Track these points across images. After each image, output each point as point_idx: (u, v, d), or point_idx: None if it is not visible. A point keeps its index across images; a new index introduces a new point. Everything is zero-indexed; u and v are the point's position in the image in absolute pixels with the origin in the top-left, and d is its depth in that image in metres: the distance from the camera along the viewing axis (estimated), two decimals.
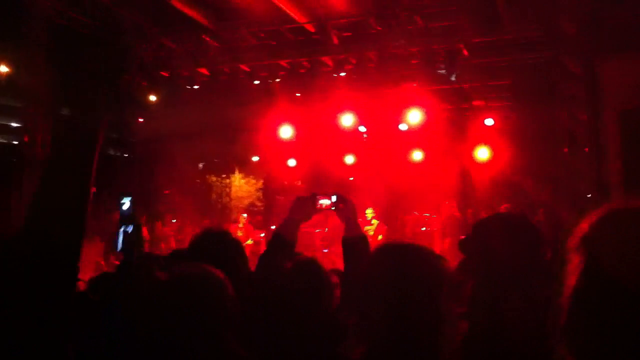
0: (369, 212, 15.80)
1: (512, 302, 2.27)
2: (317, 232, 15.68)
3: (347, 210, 3.33)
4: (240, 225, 16.52)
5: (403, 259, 2.16)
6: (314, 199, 3.36)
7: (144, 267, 3.10)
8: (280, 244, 3.33)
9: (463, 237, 3.09)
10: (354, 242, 3.24)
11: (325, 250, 15.23)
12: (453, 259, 4.06)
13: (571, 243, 1.42)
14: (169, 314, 2.27)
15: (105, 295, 3.23)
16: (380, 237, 15.41)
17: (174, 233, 16.94)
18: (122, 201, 3.24)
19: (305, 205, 3.40)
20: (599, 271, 1.34)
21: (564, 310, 1.39)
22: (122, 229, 3.16)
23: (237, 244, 3.48)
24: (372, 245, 2.73)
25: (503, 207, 13.56)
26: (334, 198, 3.35)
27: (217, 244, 3.33)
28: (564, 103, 13.34)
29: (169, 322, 2.25)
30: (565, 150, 13.16)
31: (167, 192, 14.91)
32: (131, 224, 3.15)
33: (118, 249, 3.14)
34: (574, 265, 1.40)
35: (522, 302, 2.27)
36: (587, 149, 12.69)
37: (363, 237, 3.31)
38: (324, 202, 3.34)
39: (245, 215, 17.10)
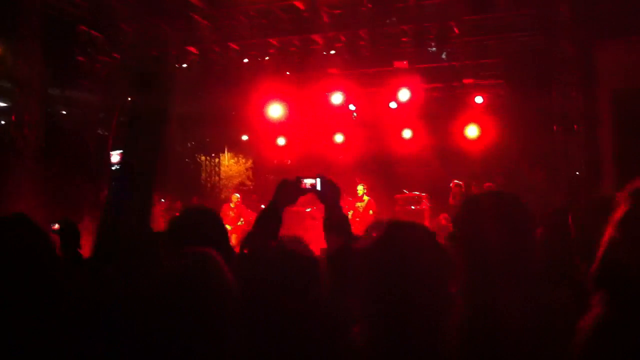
0: (360, 189, 15.81)
1: (503, 280, 2.27)
2: (307, 211, 15.66)
3: (329, 192, 3.30)
4: (232, 205, 16.45)
5: (401, 236, 2.15)
6: (298, 182, 3.34)
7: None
8: (265, 226, 3.32)
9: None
10: (335, 224, 3.22)
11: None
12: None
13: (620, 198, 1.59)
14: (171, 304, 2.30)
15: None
16: (371, 212, 15.43)
17: (163, 213, 16.89)
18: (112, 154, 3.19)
19: (290, 188, 3.38)
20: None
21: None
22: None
23: (218, 222, 3.48)
24: (364, 221, 2.72)
25: (486, 185, 13.59)
26: (318, 181, 3.32)
27: (198, 223, 3.31)
28: (556, 82, 13.33)
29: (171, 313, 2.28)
30: (556, 128, 13.18)
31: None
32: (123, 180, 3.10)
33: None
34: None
35: (513, 280, 2.26)
36: (576, 127, 12.71)
37: (344, 218, 3.29)
38: (308, 181, 3.32)
39: (237, 195, 16.99)
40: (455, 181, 15.07)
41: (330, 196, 3.27)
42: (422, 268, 2.05)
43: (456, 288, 2.18)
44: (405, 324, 2.02)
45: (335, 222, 3.21)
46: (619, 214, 1.56)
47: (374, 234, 2.28)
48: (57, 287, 2.48)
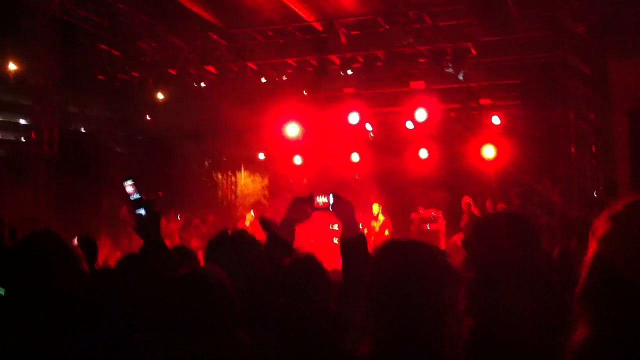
0: (376, 208, 15.78)
1: (512, 298, 2.28)
2: (323, 228, 15.68)
3: (343, 209, 3.32)
4: (247, 223, 16.46)
5: (408, 255, 2.16)
6: (311, 199, 3.36)
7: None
8: (278, 243, 3.34)
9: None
10: (351, 242, 3.23)
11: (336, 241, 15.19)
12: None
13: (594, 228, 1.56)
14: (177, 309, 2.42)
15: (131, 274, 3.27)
16: (387, 232, 15.40)
17: (179, 230, 16.95)
18: (125, 184, 3.21)
19: (303, 205, 3.41)
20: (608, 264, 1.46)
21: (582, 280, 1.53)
22: (136, 213, 3.15)
23: (254, 244, 3.52)
24: (379, 241, 2.74)
25: (499, 207, 13.52)
26: (331, 198, 3.34)
27: (235, 245, 3.37)
28: (572, 102, 13.31)
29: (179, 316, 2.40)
30: (573, 149, 13.13)
31: (160, 193, 14.92)
32: (142, 206, 3.13)
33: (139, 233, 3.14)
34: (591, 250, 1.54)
35: (522, 298, 2.28)
36: (594, 148, 12.66)
37: (361, 236, 3.30)
38: (321, 200, 3.34)
39: (252, 212, 16.99)
40: (467, 200, 14.97)
41: (345, 213, 3.29)
42: (428, 285, 2.06)
43: (464, 305, 2.19)
44: (413, 343, 2.02)
45: (351, 239, 3.22)
46: (601, 231, 1.56)
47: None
48: (82, 300, 2.55)
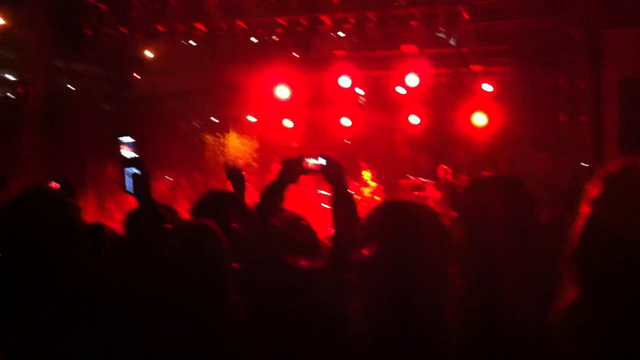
0: (366, 174, 15.74)
1: (502, 259, 2.26)
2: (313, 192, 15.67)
3: (333, 171, 3.29)
4: None
5: (403, 215, 2.15)
6: (300, 161, 3.32)
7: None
8: (268, 204, 3.32)
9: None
10: (342, 203, 3.20)
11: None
12: None
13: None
14: (172, 262, 2.38)
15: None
16: (377, 198, 15.40)
17: (167, 189, 16.90)
18: (122, 139, 3.12)
19: (293, 167, 3.37)
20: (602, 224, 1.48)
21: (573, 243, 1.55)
22: (128, 171, 3.06)
23: (240, 205, 3.49)
24: (370, 206, 2.70)
25: (484, 174, 13.51)
26: (321, 160, 3.30)
27: (221, 205, 3.32)
28: (564, 70, 13.27)
29: (174, 271, 2.36)
30: (563, 118, 13.13)
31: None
32: (136, 165, 3.06)
33: (127, 190, 3.05)
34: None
35: (513, 260, 2.26)
36: (585, 118, 12.66)
37: (351, 198, 3.28)
38: (311, 162, 3.30)
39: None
40: (443, 168, 14.92)
41: (335, 174, 3.26)
42: (421, 245, 2.03)
43: (457, 269, 2.17)
44: (406, 304, 2.01)
45: (341, 200, 3.20)
46: (594, 193, 1.55)
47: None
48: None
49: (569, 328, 1.52)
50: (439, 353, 2.01)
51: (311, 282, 2.81)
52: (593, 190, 1.56)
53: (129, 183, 3.01)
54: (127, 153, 3.10)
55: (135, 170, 2.99)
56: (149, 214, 3.02)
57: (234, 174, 3.85)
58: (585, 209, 1.56)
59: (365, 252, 2.08)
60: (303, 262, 2.87)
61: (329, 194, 3.27)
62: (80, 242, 2.57)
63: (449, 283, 2.11)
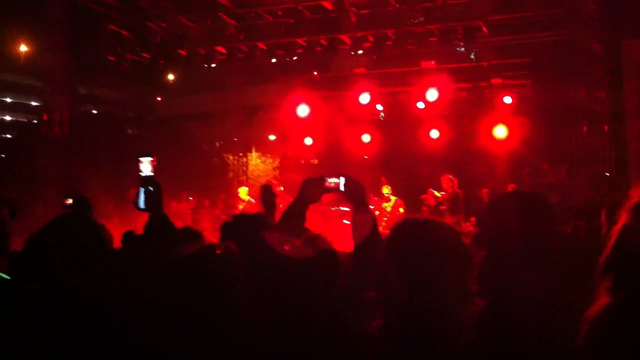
0: (386, 189, 15.72)
1: (523, 278, 2.27)
2: (333, 209, 15.68)
3: (354, 190, 3.33)
4: (243, 196, 16.09)
5: (422, 233, 2.16)
6: (322, 180, 3.37)
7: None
8: (289, 223, 3.36)
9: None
10: (362, 221, 3.24)
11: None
12: None
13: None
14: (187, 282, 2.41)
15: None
16: (401, 209, 15.36)
17: (190, 211, 17.02)
18: (141, 160, 3.25)
19: (314, 186, 3.41)
20: None
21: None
22: (143, 190, 3.18)
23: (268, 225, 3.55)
24: (393, 221, 2.74)
25: (510, 187, 13.45)
26: (341, 179, 3.35)
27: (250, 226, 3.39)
28: (583, 82, 13.21)
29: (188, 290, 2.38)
30: (584, 129, 13.06)
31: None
32: (151, 184, 3.17)
33: (140, 207, 3.16)
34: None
35: (534, 278, 2.26)
36: (606, 128, 12.58)
37: (371, 216, 3.31)
38: (332, 180, 3.35)
39: (245, 188, 16.45)
40: (449, 176, 14.87)
41: (356, 194, 3.30)
42: (443, 264, 2.06)
43: (476, 287, 2.18)
44: (426, 322, 2.03)
45: (362, 217, 3.23)
46: (633, 201, 1.57)
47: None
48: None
49: (601, 334, 1.53)
50: None
51: (332, 300, 2.84)
52: (631, 200, 1.57)
53: (142, 201, 3.13)
54: (145, 172, 3.22)
55: (149, 188, 3.11)
56: (158, 224, 3.13)
57: (268, 195, 3.92)
58: (623, 218, 1.57)
59: (386, 269, 2.11)
60: (322, 280, 2.91)
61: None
62: (109, 261, 2.67)
63: (469, 301, 2.12)
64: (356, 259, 3.10)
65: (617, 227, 1.57)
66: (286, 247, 3.00)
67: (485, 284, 2.25)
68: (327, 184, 3.34)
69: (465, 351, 2.04)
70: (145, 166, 3.23)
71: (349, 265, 3.14)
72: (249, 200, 15.55)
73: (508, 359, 2.15)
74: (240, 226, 3.48)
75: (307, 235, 3.29)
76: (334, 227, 14.63)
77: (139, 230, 3.50)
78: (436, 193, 14.72)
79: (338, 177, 3.33)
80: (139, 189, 3.18)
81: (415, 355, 2.02)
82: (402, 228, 2.23)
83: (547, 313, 2.14)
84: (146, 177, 3.19)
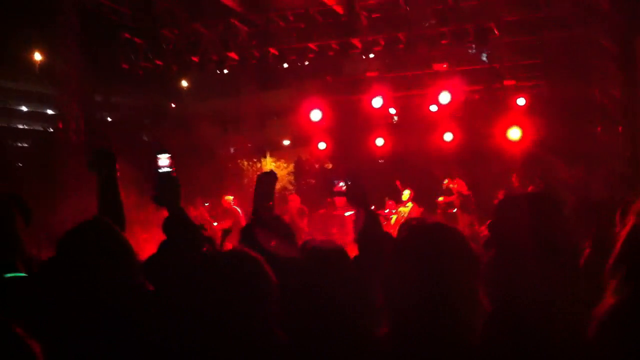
0: (406, 194, 15.67)
1: (533, 281, 2.26)
2: (346, 215, 15.69)
3: (354, 192, 3.34)
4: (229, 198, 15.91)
5: (429, 238, 2.16)
6: (331, 184, 3.40)
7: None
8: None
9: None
10: (364, 224, 3.25)
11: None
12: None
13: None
14: (209, 290, 2.34)
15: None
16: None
17: (209, 216, 17.03)
18: (160, 156, 3.31)
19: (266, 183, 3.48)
20: None
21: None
22: (161, 184, 3.25)
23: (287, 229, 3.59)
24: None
25: (529, 189, 13.41)
26: (347, 182, 3.37)
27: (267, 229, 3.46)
28: (597, 81, 13.15)
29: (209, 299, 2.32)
30: (599, 128, 12.99)
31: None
32: (169, 181, 3.23)
33: (158, 202, 3.22)
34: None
35: (543, 281, 2.26)
36: (620, 128, 12.51)
37: (373, 219, 3.31)
38: (340, 184, 3.37)
39: (230, 197, 16.25)
40: (457, 179, 14.85)
41: (357, 196, 3.30)
42: (449, 268, 2.06)
43: (482, 289, 2.18)
44: (434, 327, 2.04)
45: (364, 220, 3.24)
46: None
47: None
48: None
49: (610, 330, 1.54)
50: None
51: (342, 302, 2.84)
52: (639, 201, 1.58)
53: (162, 195, 3.19)
54: (164, 168, 3.29)
55: (168, 183, 3.17)
56: (177, 219, 3.19)
57: (263, 184, 3.95)
58: (631, 219, 1.58)
59: (392, 274, 2.12)
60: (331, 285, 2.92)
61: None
62: (132, 267, 2.70)
63: (476, 305, 2.12)
64: (361, 262, 3.12)
65: (627, 228, 1.59)
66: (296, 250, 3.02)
67: (492, 287, 2.25)
68: (337, 187, 3.36)
69: (473, 355, 2.05)
70: (163, 162, 3.30)
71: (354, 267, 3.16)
72: (235, 209, 15.30)
73: None
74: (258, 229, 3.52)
75: (315, 243, 3.31)
76: (347, 232, 14.64)
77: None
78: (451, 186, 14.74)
79: (345, 181, 3.35)
80: (157, 184, 3.25)
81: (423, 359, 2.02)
82: (408, 233, 2.25)
83: (555, 314, 2.14)
84: (164, 172, 3.27)
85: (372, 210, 3.33)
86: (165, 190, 3.24)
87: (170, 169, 3.28)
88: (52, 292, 2.52)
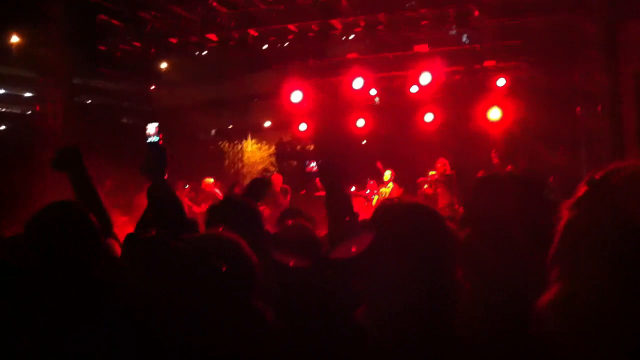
0: (387, 174, 15.69)
1: (507, 261, 2.26)
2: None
3: (327, 172, 3.31)
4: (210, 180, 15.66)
5: (404, 218, 2.14)
6: (305, 166, 3.39)
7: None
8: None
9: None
10: (334, 204, 3.22)
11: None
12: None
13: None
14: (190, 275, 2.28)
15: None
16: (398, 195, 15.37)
17: (188, 199, 16.95)
18: (149, 125, 3.34)
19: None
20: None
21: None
22: (149, 154, 3.24)
23: (254, 212, 3.56)
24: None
25: (507, 168, 13.46)
26: (319, 162, 3.36)
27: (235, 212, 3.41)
28: (578, 64, 13.17)
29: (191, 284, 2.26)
30: (578, 111, 13.03)
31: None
32: (156, 151, 3.22)
33: (145, 172, 3.21)
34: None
35: (517, 261, 2.26)
36: (600, 110, 12.55)
37: (344, 199, 3.28)
38: (313, 164, 3.37)
39: (210, 180, 15.98)
40: (443, 159, 14.87)
41: (329, 175, 3.27)
42: (423, 247, 2.04)
43: (462, 271, 2.17)
44: (410, 306, 2.02)
45: (334, 201, 3.21)
46: (576, 196, 1.57)
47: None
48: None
49: (547, 323, 1.54)
50: (448, 353, 2.02)
51: (318, 284, 2.83)
52: (577, 193, 1.57)
53: (147, 165, 3.18)
54: (151, 137, 3.31)
55: (153, 154, 3.16)
56: (160, 187, 3.20)
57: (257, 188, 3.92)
58: (565, 214, 1.57)
59: (368, 255, 2.10)
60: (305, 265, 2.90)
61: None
62: (101, 251, 2.68)
63: (454, 284, 2.11)
64: (329, 243, 3.10)
65: (560, 224, 1.58)
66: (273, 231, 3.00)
67: (467, 266, 2.24)
68: (308, 167, 3.35)
69: (454, 334, 2.04)
70: (151, 130, 3.31)
71: (325, 249, 3.14)
72: (215, 192, 15.02)
73: (500, 342, 2.15)
74: (228, 210, 3.48)
75: (289, 225, 3.29)
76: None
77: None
78: (431, 172, 14.78)
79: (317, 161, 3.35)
80: (145, 154, 3.25)
81: (402, 339, 2.02)
82: (382, 213, 2.22)
83: (530, 294, 2.13)
84: (152, 142, 3.28)
85: (342, 190, 3.29)
86: (150, 158, 3.22)
87: (157, 137, 3.30)
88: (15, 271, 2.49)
